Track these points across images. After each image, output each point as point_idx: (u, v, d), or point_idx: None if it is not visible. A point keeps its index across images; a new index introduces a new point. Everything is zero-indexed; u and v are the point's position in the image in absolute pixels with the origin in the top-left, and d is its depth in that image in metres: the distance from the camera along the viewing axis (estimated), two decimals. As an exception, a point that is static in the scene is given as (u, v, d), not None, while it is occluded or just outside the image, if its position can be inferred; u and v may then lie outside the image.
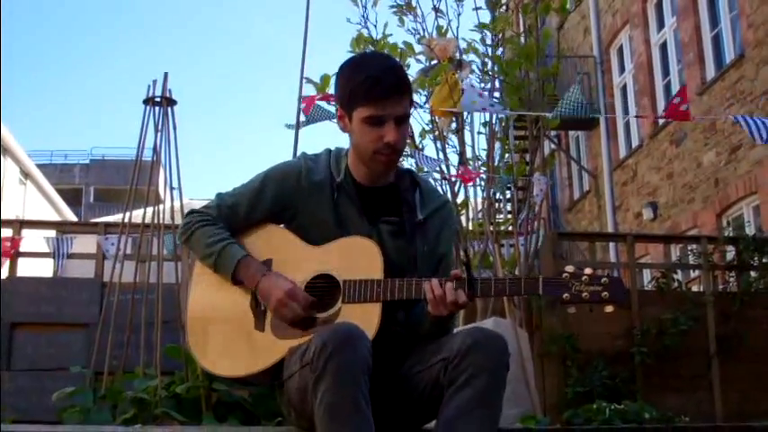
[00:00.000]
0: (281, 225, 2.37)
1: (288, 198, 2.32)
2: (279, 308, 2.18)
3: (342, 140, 3.05)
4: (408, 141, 5.83)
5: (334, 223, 2.28)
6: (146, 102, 5.26)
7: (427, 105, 5.69)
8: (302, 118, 5.10)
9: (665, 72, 12.71)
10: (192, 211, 2.40)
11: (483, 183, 5.67)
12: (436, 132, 5.67)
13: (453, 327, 2.38)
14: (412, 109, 2.40)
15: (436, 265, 2.33)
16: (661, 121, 12.39)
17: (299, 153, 2.58)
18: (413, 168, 2.95)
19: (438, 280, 2.12)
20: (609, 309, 2.09)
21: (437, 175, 5.58)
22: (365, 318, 2.11)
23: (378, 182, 2.35)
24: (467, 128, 5.79)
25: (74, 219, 24.41)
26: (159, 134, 5.21)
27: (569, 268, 2.11)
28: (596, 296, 2.07)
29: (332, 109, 4.96)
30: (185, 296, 2.37)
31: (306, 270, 2.24)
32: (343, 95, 2.27)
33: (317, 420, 1.94)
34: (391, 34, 5.72)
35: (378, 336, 2.08)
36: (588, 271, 2.10)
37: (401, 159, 2.52)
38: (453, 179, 5.56)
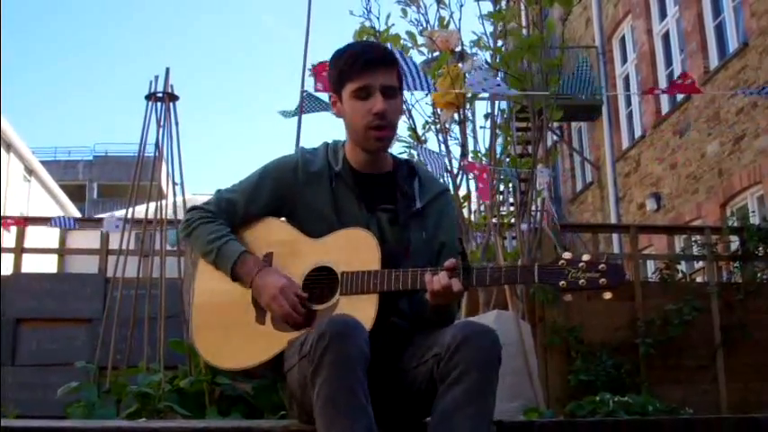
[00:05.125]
0: (282, 219, 2.38)
1: (286, 191, 2.33)
2: (270, 304, 2.21)
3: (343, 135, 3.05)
4: (411, 134, 5.82)
5: (333, 212, 2.29)
6: (148, 97, 5.26)
7: (429, 97, 5.67)
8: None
9: (668, 62, 12.65)
10: (194, 208, 2.42)
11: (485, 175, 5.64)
12: (438, 125, 5.65)
13: (455, 314, 2.37)
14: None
15: (437, 253, 2.32)
16: (664, 111, 12.34)
17: (300, 146, 2.58)
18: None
19: (432, 271, 2.12)
20: (607, 296, 2.01)
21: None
22: (362, 310, 2.11)
23: (375, 168, 2.35)
24: (469, 120, 5.77)
25: (78, 215, 24.42)
26: (161, 130, 5.22)
27: (566, 255, 2.05)
28: (594, 283, 2.00)
29: (325, 97, 4.92)
30: (188, 291, 2.38)
31: (305, 263, 2.25)
32: (334, 79, 2.33)
33: (315, 412, 1.94)
34: (393, 24, 5.72)
35: (376, 328, 2.08)
36: (586, 257, 2.03)
37: (399, 146, 2.52)
38: (457, 172, 5.55)
